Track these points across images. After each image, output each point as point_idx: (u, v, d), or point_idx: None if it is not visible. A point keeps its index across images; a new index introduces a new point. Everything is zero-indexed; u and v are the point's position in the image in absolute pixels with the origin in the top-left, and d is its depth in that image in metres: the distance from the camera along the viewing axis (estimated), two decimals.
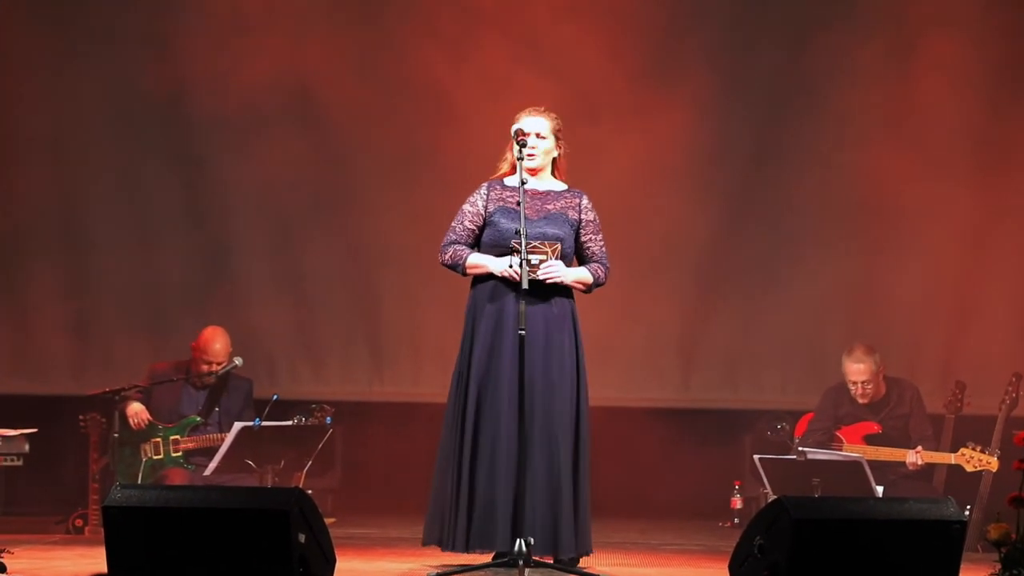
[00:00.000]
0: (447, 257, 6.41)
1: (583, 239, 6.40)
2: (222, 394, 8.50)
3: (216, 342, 8.45)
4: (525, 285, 6.02)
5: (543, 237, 6.27)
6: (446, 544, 6.25)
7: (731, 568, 5.60)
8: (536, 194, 6.38)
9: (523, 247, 6.07)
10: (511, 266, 6.22)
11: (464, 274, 6.41)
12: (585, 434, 6.30)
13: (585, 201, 6.43)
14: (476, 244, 6.41)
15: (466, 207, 6.42)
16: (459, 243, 6.40)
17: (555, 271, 6.24)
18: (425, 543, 6.33)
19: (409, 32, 9.55)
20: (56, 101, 9.55)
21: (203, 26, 9.42)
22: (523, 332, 5.97)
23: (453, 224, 6.43)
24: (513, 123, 6.32)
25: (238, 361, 8.45)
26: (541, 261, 6.23)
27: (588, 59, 9.37)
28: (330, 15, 9.55)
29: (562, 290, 6.33)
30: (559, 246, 6.26)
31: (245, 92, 9.40)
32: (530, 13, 9.48)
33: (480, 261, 6.33)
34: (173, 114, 9.56)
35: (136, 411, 8.33)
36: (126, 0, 9.59)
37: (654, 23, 9.46)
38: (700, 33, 9.49)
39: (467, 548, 6.20)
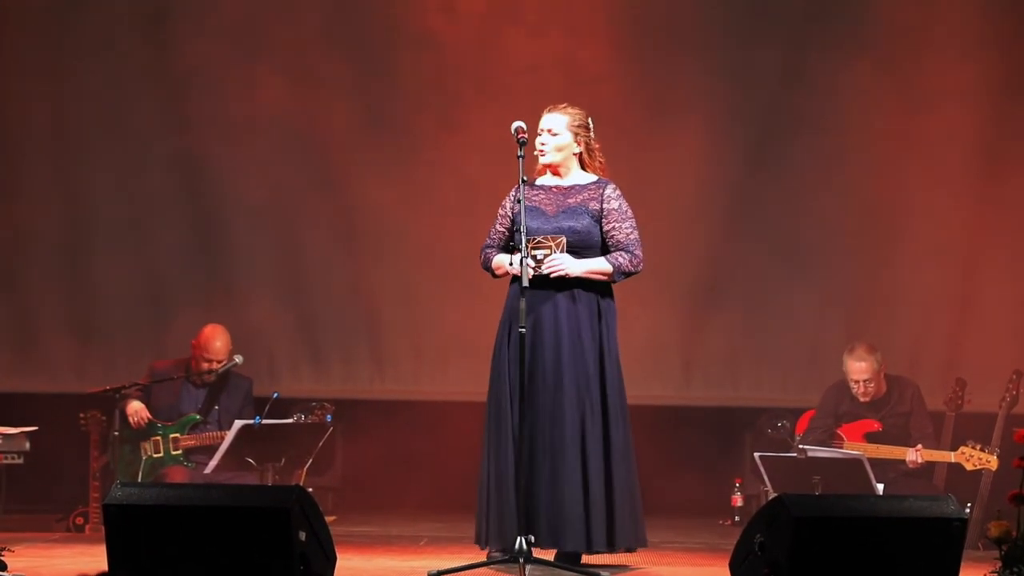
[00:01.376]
0: (481, 260, 6.49)
1: (606, 228, 6.34)
2: (222, 392, 8.50)
3: (216, 340, 8.45)
4: (525, 283, 6.02)
5: (560, 232, 6.26)
6: (480, 542, 6.29)
7: (732, 566, 5.60)
8: (560, 190, 6.39)
9: (523, 244, 6.08)
10: (512, 264, 6.24)
11: (495, 276, 6.44)
12: (612, 429, 6.27)
13: (609, 190, 6.37)
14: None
15: (498, 211, 6.48)
16: (492, 247, 6.46)
17: (557, 264, 6.23)
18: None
19: (411, 32, 9.55)
20: (56, 101, 9.54)
21: (204, 25, 9.42)
22: (523, 330, 5.96)
23: (490, 229, 6.48)
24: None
25: (238, 359, 8.44)
26: (545, 256, 6.22)
27: (590, 62, 9.37)
28: (332, 18, 9.54)
29: (588, 284, 6.29)
30: (563, 239, 6.24)
31: (245, 91, 9.40)
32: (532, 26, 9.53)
33: (501, 262, 6.37)
34: (174, 114, 9.55)
35: (136, 409, 8.32)
36: (127, 1, 9.58)
37: (656, 29, 9.45)
38: (701, 42, 9.47)
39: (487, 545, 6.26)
